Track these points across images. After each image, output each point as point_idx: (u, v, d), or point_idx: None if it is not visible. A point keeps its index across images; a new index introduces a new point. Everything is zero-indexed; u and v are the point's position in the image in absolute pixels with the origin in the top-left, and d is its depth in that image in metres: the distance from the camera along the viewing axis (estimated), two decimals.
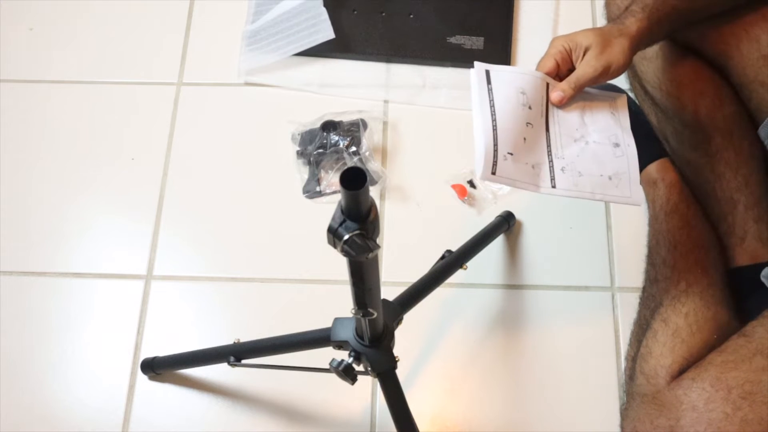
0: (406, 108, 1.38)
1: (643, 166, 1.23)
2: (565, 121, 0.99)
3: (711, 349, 1.00)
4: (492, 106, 0.95)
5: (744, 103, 1.09)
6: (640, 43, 0.98)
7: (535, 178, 0.95)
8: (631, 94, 1.26)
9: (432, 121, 1.37)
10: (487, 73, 0.97)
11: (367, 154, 1.29)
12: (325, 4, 1.43)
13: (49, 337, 1.22)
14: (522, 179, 0.93)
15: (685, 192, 1.17)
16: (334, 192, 1.30)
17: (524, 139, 0.94)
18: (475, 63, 0.98)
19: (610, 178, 0.97)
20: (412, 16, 1.45)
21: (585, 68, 0.96)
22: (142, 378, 1.19)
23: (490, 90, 0.97)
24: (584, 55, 0.96)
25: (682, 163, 1.18)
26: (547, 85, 1.00)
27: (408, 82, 1.40)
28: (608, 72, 0.95)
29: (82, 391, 1.19)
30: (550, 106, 0.99)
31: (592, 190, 0.97)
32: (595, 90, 1.02)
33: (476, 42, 1.41)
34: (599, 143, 0.99)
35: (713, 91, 1.10)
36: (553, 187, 0.96)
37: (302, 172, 1.32)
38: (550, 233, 1.27)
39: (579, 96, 0.99)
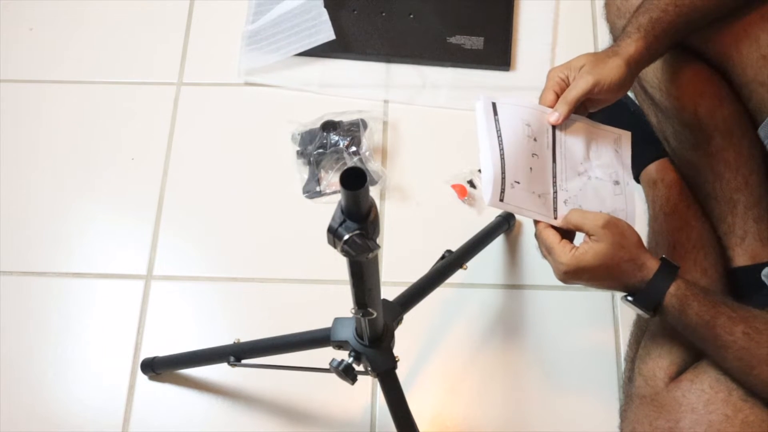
0: (406, 108, 1.38)
1: (643, 166, 1.23)
2: (571, 154, 1.00)
3: None
4: (499, 135, 0.96)
5: (743, 102, 1.09)
6: (638, 62, 0.97)
7: (541, 207, 0.97)
8: (631, 94, 1.26)
9: (432, 121, 1.37)
10: (494, 105, 0.97)
11: (367, 154, 1.29)
12: (325, 4, 1.43)
13: (49, 337, 1.22)
14: (529, 207, 0.95)
15: (684, 192, 1.17)
16: (334, 192, 1.30)
17: (530, 169, 0.96)
18: (481, 95, 0.97)
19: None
20: (412, 16, 1.45)
21: (576, 83, 0.94)
22: (142, 378, 1.19)
23: (497, 120, 0.98)
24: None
25: (682, 163, 1.18)
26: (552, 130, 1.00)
27: (408, 82, 1.41)
28: (600, 85, 0.93)
29: (82, 391, 1.19)
30: (557, 138, 1.00)
31: None
32: (601, 125, 1.01)
33: (476, 42, 1.41)
34: (600, 179, 1.00)
35: (713, 91, 1.09)
36: (555, 218, 0.97)
37: (302, 172, 1.32)
38: None
39: (584, 130, 0.99)
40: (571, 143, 1.00)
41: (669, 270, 0.89)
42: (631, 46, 0.96)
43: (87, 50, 1.46)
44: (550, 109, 0.96)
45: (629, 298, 0.90)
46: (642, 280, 0.89)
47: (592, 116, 1.02)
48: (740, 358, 0.87)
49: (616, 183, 1.01)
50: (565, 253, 0.89)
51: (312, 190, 1.31)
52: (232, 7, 1.48)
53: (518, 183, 0.95)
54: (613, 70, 0.94)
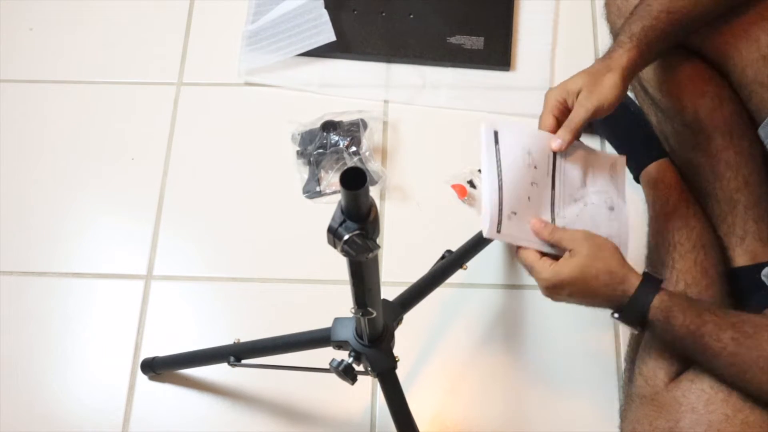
0: (406, 108, 1.38)
1: (643, 166, 1.23)
2: (569, 180, 1.01)
3: None
4: (498, 166, 0.98)
5: (743, 102, 1.09)
6: (632, 71, 0.98)
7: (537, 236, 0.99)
8: (631, 94, 1.26)
9: (432, 121, 1.37)
10: (496, 134, 0.98)
11: (367, 154, 1.29)
12: (326, 5, 1.43)
13: (49, 337, 1.22)
14: (526, 238, 0.97)
15: (684, 192, 1.17)
16: (334, 192, 1.30)
17: (528, 198, 0.97)
18: (484, 123, 0.98)
19: None
20: (412, 16, 1.45)
21: (578, 110, 0.95)
22: (142, 378, 1.19)
23: (497, 150, 0.99)
24: (577, 98, 0.96)
25: (682, 164, 1.18)
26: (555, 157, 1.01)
27: (408, 82, 1.40)
28: (602, 109, 0.95)
29: (82, 391, 1.19)
30: (557, 164, 1.01)
31: None
32: (597, 150, 1.03)
33: (476, 42, 1.41)
34: (596, 205, 1.01)
35: (713, 91, 1.09)
36: (552, 247, 0.99)
37: (302, 172, 1.32)
38: None
39: (582, 156, 1.00)
40: (570, 169, 1.01)
41: (651, 283, 0.91)
42: (623, 57, 0.97)
43: (87, 50, 1.47)
44: (552, 135, 0.97)
45: (615, 315, 0.92)
46: (624, 294, 0.90)
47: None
48: (732, 364, 0.87)
49: (611, 209, 1.02)
50: (545, 268, 0.91)
51: (312, 190, 1.31)
52: (232, 7, 1.48)
53: (515, 214, 0.97)
54: (611, 90, 0.95)
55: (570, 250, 0.91)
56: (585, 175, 1.02)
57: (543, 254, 0.93)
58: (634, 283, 0.90)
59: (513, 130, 0.99)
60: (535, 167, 0.98)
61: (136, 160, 1.36)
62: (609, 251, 0.91)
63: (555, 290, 0.93)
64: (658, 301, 0.89)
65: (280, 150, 1.35)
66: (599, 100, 0.95)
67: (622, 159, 1.03)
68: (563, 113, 0.97)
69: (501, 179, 0.96)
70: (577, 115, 0.95)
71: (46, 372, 1.20)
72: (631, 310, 0.90)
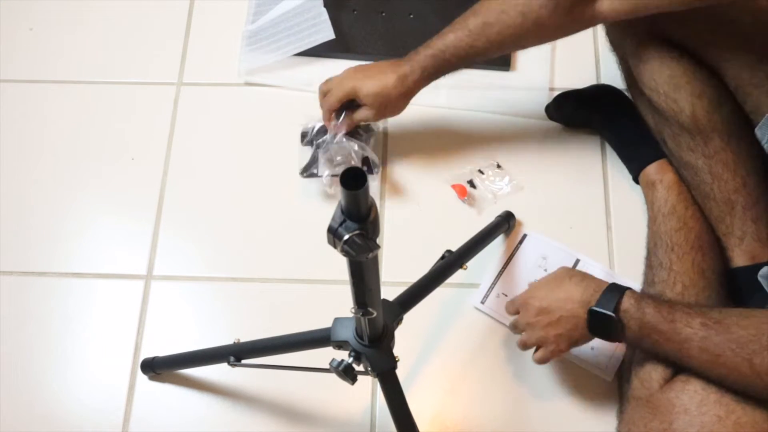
0: (406, 108, 1.38)
1: (641, 167, 1.24)
2: None
3: None
4: (510, 257, 1.23)
5: (740, 104, 1.09)
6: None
7: None
8: (629, 96, 1.26)
9: (432, 121, 1.37)
10: (524, 237, 1.24)
11: (372, 141, 1.29)
12: (325, 4, 1.43)
13: (49, 337, 1.22)
14: (507, 317, 1.12)
15: (683, 193, 1.17)
16: (331, 176, 1.26)
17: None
18: (525, 230, 1.26)
19: (592, 348, 1.15)
20: (412, 16, 1.45)
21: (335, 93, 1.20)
22: (142, 378, 1.19)
23: (516, 249, 1.24)
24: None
25: (679, 165, 1.18)
26: (577, 261, 1.22)
27: None
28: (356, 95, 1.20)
29: (82, 391, 1.19)
30: None
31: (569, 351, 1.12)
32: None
33: None
34: None
35: (710, 92, 1.10)
36: None
37: (303, 154, 1.30)
38: (550, 233, 1.26)
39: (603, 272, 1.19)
40: None
41: (620, 286, 0.98)
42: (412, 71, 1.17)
43: (87, 50, 1.47)
44: (573, 251, 1.23)
45: (593, 308, 0.96)
46: (596, 290, 0.98)
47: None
48: (704, 348, 0.89)
49: None
50: (512, 302, 1.08)
51: (309, 172, 1.29)
52: (232, 7, 1.48)
53: (505, 295, 1.19)
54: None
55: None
56: None
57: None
58: (605, 282, 0.98)
59: (539, 240, 1.23)
60: (545, 270, 1.19)
61: (136, 160, 1.36)
62: (572, 281, 1.01)
63: (526, 305, 1.03)
64: (629, 293, 0.96)
65: (280, 150, 1.35)
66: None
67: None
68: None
69: (504, 269, 1.21)
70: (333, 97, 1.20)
71: (46, 372, 1.20)
72: (604, 300, 0.95)
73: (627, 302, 0.94)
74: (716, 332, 0.88)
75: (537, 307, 1.01)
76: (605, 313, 0.94)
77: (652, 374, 1.00)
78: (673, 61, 1.10)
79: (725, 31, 1.05)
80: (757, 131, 1.04)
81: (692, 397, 0.91)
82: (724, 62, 1.07)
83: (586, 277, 1.01)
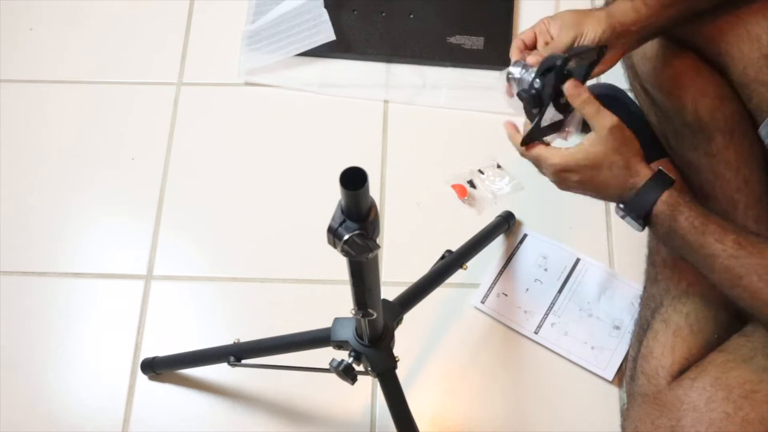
0: (406, 108, 1.38)
1: None
2: (582, 293, 1.17)
3: (712, 349, 0.99)
4: (509, 257, 1.22)
5: (744, 102, 1.09)
6: (623, 23, 0.97)
7: (522, 320, 1.17)
8: (631, 94, 1.26)
9: (432, 121, 1.37)
10: (524, 236, 1.22)
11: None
12: (325, 4, 1.43)
13: (49, 337, 1.22)
14: (507, 317, 1.16)
15: (685, 192, 1.17)
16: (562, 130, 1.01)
17: (527, 289, 1.15)
18: (525, 229, 1.24)
19: (592, 348, 1.14)
20: (412, 16, 1.45)
21: (557, 40, 0.95)
22: (142, 378, 1.19)
23: (516, 249, 1.23)
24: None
25: (682, 163, 1.18)
26: (577, 260, 1.21)
27: (408, 82, 1.40)
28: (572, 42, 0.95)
29: (82, 391, 1.19)
30: (572, 276, 1.20)
31: (569, 350, 1.16)
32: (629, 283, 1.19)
33: (476, 42, 1.41)
34: (601, 320, 1.14)
35: (714, 90, 1.09)
36: (536, 333, 1.16)
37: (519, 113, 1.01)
38: (550, 233, 1.26)
39: (607, 278, 1.19)
40: (586, 283, 1.18)
41: (663, 179, 0.89)
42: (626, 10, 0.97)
43: (87, 50, 1.46)
44: (573, 250, 1.20)
45: (621, 205, 0.90)
46: (633, 186, 0.89)
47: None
48: (728, 267, 0.86)
49: (617, 328, 1.16)
50: (553, 154, 0.91)
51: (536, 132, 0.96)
52: (232, 7, 1.48)
53: (505, 295, 1.19)
54: (592, 23, 0.94)
55: (594, 132, 0.89)
56: (601, 293, 1.18)
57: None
58: (645, 176, 0.89)
59: (539, 240, 1.22)
60: (546, 269, 1.20)
61: (136, 160, 1.36)
62: (633, 148, 0.90)
63: (564, 175, 0.91)
64: (666, 196, 0.88)
65: (280, 150, 1.35)
66: (575, 34, 0.94)
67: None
68: (543, 33, 0.97)
69: (504, 268, 1.21)
70: (559, 41, 0.94)
71: (46, 372, 1.20)
72: (638, 201, 0.89)
73: (660, 206, 0.88)
74: (748, 254, 0.85)
75: (572, 183, 0.93)
76: (633, 220, 0.91)
77: (659, 371, 1.00)
78: (676, 57, 1.10)
79: (729, 27, 1.05)
80: (761, 130, 1.04)
81: (701, 394, 0.91)
82: (729, 59, 1.07)
83: (628, 170, 0.89)
